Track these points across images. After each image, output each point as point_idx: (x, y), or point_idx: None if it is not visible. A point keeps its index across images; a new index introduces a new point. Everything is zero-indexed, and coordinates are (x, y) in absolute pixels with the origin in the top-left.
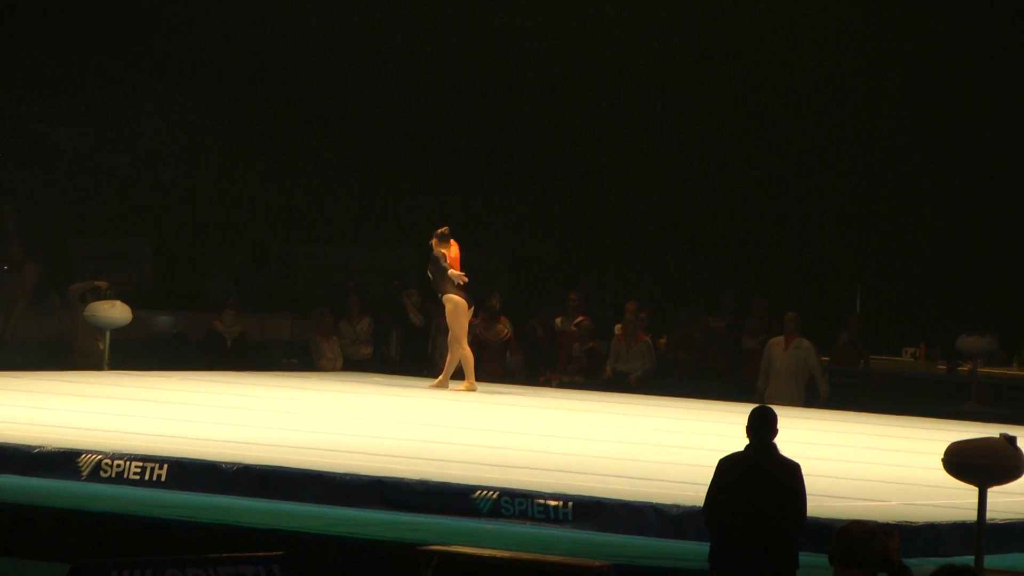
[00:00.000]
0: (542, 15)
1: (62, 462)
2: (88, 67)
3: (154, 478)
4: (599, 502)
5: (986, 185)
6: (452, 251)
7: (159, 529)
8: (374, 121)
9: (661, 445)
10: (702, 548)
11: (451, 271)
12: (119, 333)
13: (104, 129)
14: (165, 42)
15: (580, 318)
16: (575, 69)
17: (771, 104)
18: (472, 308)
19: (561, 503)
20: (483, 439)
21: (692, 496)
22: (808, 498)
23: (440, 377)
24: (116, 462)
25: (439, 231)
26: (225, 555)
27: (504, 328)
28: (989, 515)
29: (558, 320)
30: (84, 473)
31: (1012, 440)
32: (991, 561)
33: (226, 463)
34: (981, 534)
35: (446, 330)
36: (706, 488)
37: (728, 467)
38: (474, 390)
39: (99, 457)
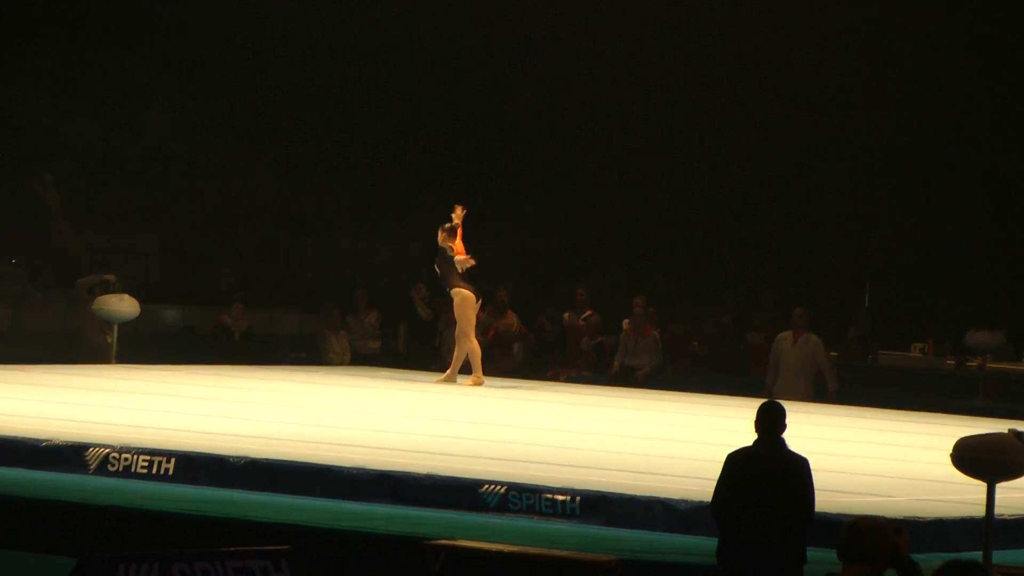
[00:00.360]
0: (547, 12)
1: (70, 456)
2: (96, 62)
3: (161, 472)
4: (607, 497)
5: (995, 180)
6: (457, 243)
7: (166, 523)
8: (383, 115)
9: (669, 440)
10: (710, 543)
11: (457, 257)
12: (127, 327)
13: (112, 123)
14: (173, 36)
15: (588, 313)
16: (579, 67)
17: (780, 100)
18: (480, 301)
19: (569, 498)
20: (491, 434)
21: (700, 491)
22: (816, 493)
23: (448, 371)
24: (124, 456)
25: (446, 225)
26: (232, 549)
27: (512, 321)
28: (997, 511)
29: (566, 315)
30: (92, 467)
31: (1021, 436)
32: (999, 557)
33: (233, 457)
34: (989, 530)
35: (454, 324)
36: (714, 483)
37: (736, 462)
38: (481, 384)
39: (107, 451)
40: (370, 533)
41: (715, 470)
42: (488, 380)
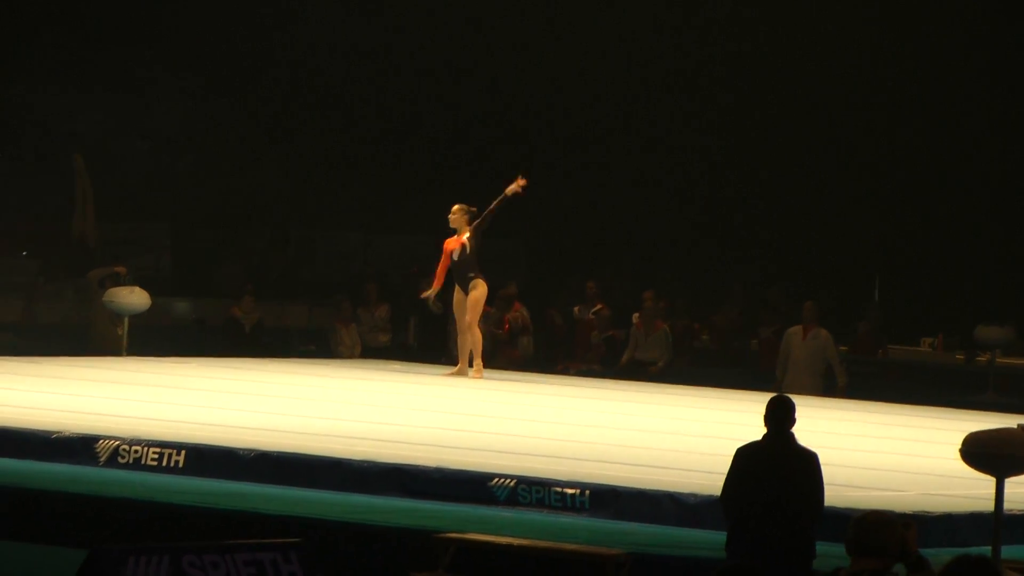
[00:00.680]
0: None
1: (80, 448)
2: (106, 54)
3: (171, 464)
4: (616, 490)
5: (1005, 174)
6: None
7: (176, 515)
8: (394, 107)
9: (679, 434)
10: (719, 537)
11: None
12: (137, 319)
13: (123, 116)
14: (183, 29)
15: (599, 306)
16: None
17: (785, 97)
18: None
19: (578, 491)
20: (501, 427)
21: (709, 485)
22: (825, 487)
23: (459, 365)
24: (134, 448)
25: (470, 208)
26: (242, 542)
27: (518, 315)
28: (1006, 505)
29: (576, 309)
30: (102, 459)
31: None
32: (1009, 552)
33: (244, 449)
34: (998, 524)
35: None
36: (723, 477)
37: (745, 456)
38: (480, 376)
39: (117, 443)
40: (380, 526)
41: (724, 464)
42: (498, 374)
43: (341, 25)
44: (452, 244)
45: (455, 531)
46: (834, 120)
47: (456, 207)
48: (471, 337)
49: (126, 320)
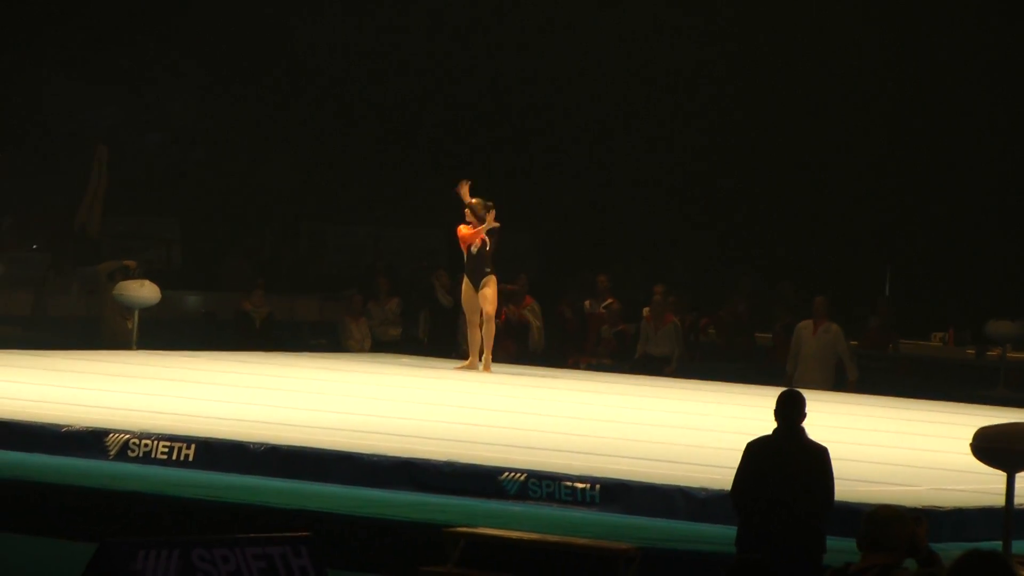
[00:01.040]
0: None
1: (90, 441)
2: (118, 47)
3: (181, 458)
4: (626, 485)
5: (1016, 169)
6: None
7: (186, 509)
8: (405, 101)
9: (689, 428)
10: (729, 532)
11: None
12: (147, 313)
13: (134, 109)
14: (195, 23)
15: (609, 300)
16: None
17: (794, 94)
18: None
19: (588, 486)
20: (511, 421)
21: (719, 480)
22: (836, 482)
23: (470, 359)
24: (144, 442)
25: (489, 203)
26: (252, 536)
27: (524, 311)
28: (1017, 500)
29: (587, 303)
30: (112, 453)
31: None
32: (1019, 546)
33: (253, 443)
34: (1009, 519)
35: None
36: (734, 472)
37: (756, 451)
38: (490, 371)
39: (127, 437)
40: (390, 520)
41: (735, 458)
42: (508, 368)
43: (350, 20)
44: (466, 233)
45: (465, 525)
46: (844, 115)
47: (477, 200)
48: (486, 331)
49: (136, 314)
